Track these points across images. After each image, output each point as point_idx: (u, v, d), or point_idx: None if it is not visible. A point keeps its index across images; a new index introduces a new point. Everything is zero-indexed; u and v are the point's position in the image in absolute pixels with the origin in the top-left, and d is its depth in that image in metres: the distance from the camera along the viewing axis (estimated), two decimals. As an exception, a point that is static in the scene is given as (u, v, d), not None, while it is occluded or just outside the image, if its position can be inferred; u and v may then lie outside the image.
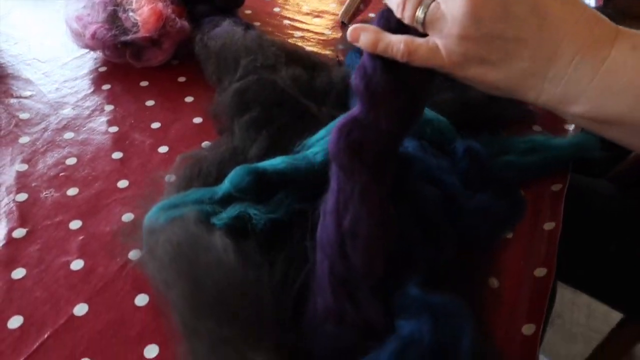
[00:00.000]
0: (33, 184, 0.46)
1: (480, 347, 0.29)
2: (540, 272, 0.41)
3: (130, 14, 0.59)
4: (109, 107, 0.56)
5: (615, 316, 0.83)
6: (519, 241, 0.43)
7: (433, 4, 0.30)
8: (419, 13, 0.30)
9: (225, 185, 0.39)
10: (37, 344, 0.35)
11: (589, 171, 0.76)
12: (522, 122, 0.54)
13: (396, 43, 0.31)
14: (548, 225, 0.45)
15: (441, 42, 0.30)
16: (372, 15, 0.73)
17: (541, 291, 0.39)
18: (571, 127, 0.56)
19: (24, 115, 0.54)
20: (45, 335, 0.35)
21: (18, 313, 0.37)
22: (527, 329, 0.37)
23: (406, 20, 0.31)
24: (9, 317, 0.36)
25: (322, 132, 0.44)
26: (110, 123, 0.54)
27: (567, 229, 0.70)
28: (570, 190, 0.70)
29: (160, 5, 0.59)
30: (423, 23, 0.30)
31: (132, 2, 0.60)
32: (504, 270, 0.41)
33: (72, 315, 0.36)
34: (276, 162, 0.40)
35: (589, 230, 0.71)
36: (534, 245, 0.43)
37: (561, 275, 0.78)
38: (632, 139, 0.31)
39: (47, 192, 0.46)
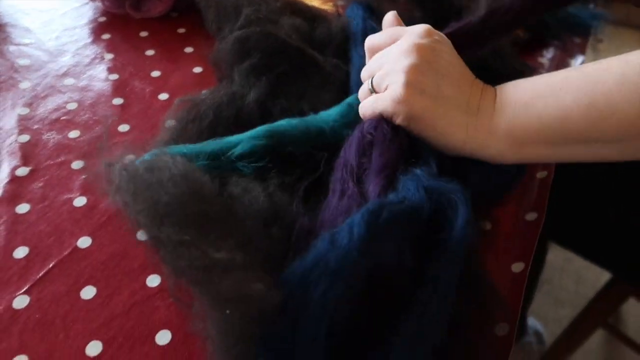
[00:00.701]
0: (35, 127, 0.47)
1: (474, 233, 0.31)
2: (531, 216, 0.42)
3: (131, -37, 0.59)
4: (108, 56, 0.56)
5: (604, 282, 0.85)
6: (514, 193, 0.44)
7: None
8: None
9: (237, 148, 0.38)
10: (43, 272, 0.36)
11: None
12: (524, 72, 0.55)
13: None
14: (540, 174, 0.46)
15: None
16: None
17: (531, 233, 0.41)
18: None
19: (23, 62, 0.54)
20: (50, 265, 0.36)
21: (23, 244, 0.38)
22: (516, 267, 0.38)
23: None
24: (14, 248, 0.37)
25: (336, 109, 0.43)
26: (110, 71, 0.54)
27: (565, 190, 0.72)
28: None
29: (159, -46, 0.58)
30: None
31: (132, -49, 0.60)
32: (498, 215, 0.42)
33: (76, 247, 0.37)
34: (288, 125, 0.40)
35: (587, 191, 0.73)
36: (527, 192, 0.44)
37: (555, 234, 0.81)
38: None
39: (49, 134, 0.46)
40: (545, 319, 1.20)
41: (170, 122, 0.44)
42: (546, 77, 0.36)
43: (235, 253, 0.27)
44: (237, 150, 0.38)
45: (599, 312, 0.84)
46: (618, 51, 0.35)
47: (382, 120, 0.36)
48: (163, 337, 0.33)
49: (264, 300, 0.26)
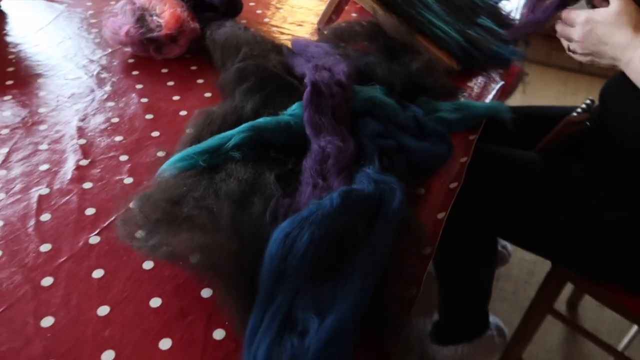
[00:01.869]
0: (89, 134, 0.63)
1: (410, 210, 0.47)
2: (453, 185, 0.59)
3: (155, 17, 0.78)
4: (139, 86, 0.74)
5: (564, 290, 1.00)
6: (442, 168, 0.61)
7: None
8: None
9: (231, 141, 0.54)
10: (107, 223, 0.51)
11: (505, 139, 0.94)
12: (452, 94, 0.73)
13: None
14: (462, 159, 0.63)
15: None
16: (342, 23, 0.92)
17: (451, 194, 0.57)
18: (490, 97, 0.75)
19: (75, 91, 0.71)
20: (112, 219, 0.52)
21: (91, 206, 0.53)
22: (440, 215, 0.55)
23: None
24: (85, 209, 0.53)
25: (296, 105, 0.60)
26: (141, 96, 0.71)
27: (505, 193, 0.87)
28: (507, 159, 0.89)
29: (178, 10, 0.77)
30: None
31: (156, 8, 0.79)
32: (430, 183, 0.58)
33: (129, 207, 0.53)
34: (263, 120, 0.57)
35: (522, 192, 0.89)
36: (451, 169, 0.61)
37: (501, 233, 0.96)
38: None
39: (100, 139, 0.63)
40: (511, 326, 1.33)
41: (189, 129, 0.61)
42: None
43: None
44: (230, 143, 0.54)
45: (545, 298, 0.98)
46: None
47: (334, 138, 0.52)
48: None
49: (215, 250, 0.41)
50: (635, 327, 1.18)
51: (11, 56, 0.79)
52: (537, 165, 0.89)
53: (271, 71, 0.66)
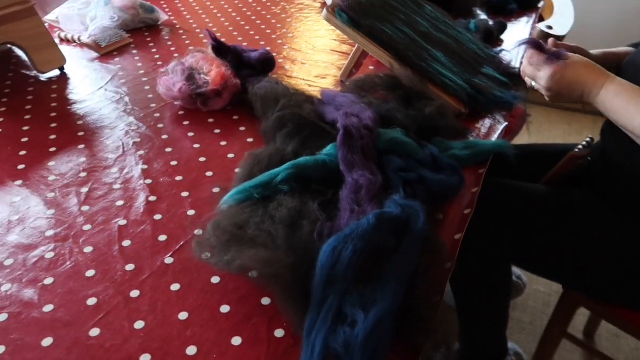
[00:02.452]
0: (153, 175, 0.75)
1: (432, 230, 0.56)
2: (466, 211, 0.68)
3: (202, 75, 0.91)
4: (190, 134, 0.85)
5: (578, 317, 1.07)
6: (456, 197, 0.71)
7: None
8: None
9: (279, 176, 0.65)
10: (177, 247, 0.62)
11: (514, 173, 1.04)
12: (462, 134, 0.84)
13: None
14: (473, 190, 0.73)
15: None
16: (361, 76, 1.05)
17: (465, 219, 0.67)
18: (496, 136, 0.86)
19: (137, 140, 0.83)
20: (181, 243, 0.62)
21: (163, 234, 0.63)
22: (457, 236, 0.64)
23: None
24: (158, 236, 0.63)
25: (330, 146, 0.71)
26: (193, 142, 0.83)
27: (513, 221, 0.97)
28: (514, 191, 1.00)
29: (223, 69, 0.90)
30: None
31: (203, 67, 0.92)
32: (447, 209, 0.68)
33: (194, 234, 0.63)
34: (304, 159, 0.68)
35: (529, 220, 0.98)
36: (464, 198, 0.70)
37: (512, 259, 1.04)
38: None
39: (163, 179, 0.74)
40: (530, 354, 1.38)
41: (241, 168, 0.71)
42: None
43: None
44: (278, 179, 0.65)
45: (560, 321, 1.05)
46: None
47: (365, 172, 0.63)
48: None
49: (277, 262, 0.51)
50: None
51: (79, 111, 0.92)
52: (543, 195, 0.99)
53: (306, 118, 0.78)
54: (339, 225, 0.57)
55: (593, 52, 0.98)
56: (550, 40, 0.92)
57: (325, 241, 0.53)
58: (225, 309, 0.54)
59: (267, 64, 0.99)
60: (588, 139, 1.05)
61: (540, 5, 1.52)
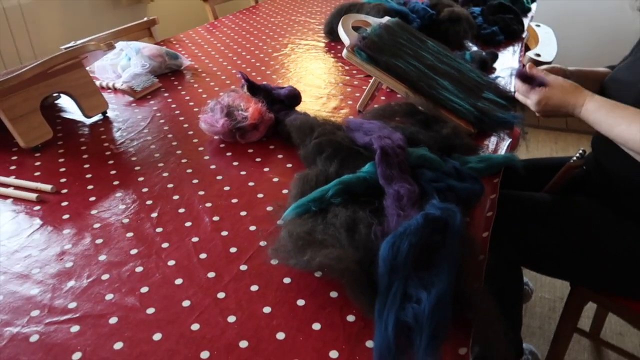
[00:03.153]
0: (211, 199, 0.85)
1: (466, 228, 0.67)
2: (489, 214, 0.80)
3: (241, 111, 1.02)
4: (235, 163, 0.96)
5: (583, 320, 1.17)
6: (479, 203, 0.82)
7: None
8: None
9: (329, 192, 0.76)
10: (248, 256, 0.71)
11: (519, 185, 1.16)
12: (474, 150, 0.96)
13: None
14: (492, 196, 0.84)
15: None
16: (376, 106, 1.17)
17: (489, 220, 0.78)
18: (503, 150, 0.98)
19: (189, 170, 0.94)
20: (250, 253, 0.72)
21: (233, 246, 0.73)
22: (484, 234, 0.75)
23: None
24: (229, 248, 0.73)
25: (368, 165, 0.83)
26: (239, 170, 0.94)
27: (518, 227, 1.08)
28: (524, 202, 1.12)
29: (259, 105, 1.02)
30: None
31: (240, 104, 1.04)
32: (473, 213, 0.79)
33: (259, 246, 0.73)
34: (348, 176, 0.79)
35: (533, 226, 1.09)
36: (485, 203, 0.82)
37: (525, 262, 1.15)
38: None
39: (220, 201, 0.84)
40: (542, 356, 1.47)
41: (294, 188, 0.81)
42: (620, 104, 0.89)
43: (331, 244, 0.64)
44: (329, 194, 0.75)
45: (570, 316, 1.15)
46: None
47: (403, 184, 0.74)
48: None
49: (346, 258, 0.61)
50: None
51: (131, 149, 1.02)
52: (548, 202, 1.11)
53: (341, 143, 0.89)
54: (389, 227, 0.67)
55: (570, 69, 1.13)
56: (529, 64, 1.06)
57: (381, 240, 0.63)
58: (301, 302, 0.63)
59: (294, 99, 1.11)
60: (581, 151, 1.18)
61: (524, 35, 1.68)
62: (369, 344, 0.58)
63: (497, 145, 1.02)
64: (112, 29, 1.72)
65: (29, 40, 2.43)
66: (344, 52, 1.06)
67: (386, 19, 1.26)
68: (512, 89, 1.19)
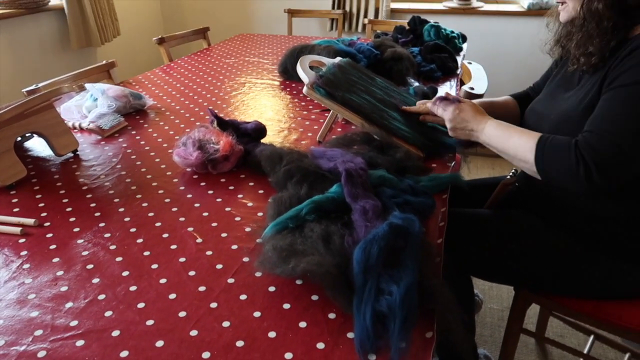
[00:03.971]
0: (192, 224, 0.92)
1: (424, 234, 0.78)
2: (441, 224, 0.92)
3: (212, 144, 1.11)
4: (210, 192, 1.04)
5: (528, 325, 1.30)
6: (432, 215, 0.94)
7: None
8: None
9: (303, 210, 0.86)
10: (234, 270, 0.79)
11: (469, 202, 1.31)
12: (428, 170, 1.09)
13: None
14: (442, 209, 0.97)
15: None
16: (334, 137, 1.29)
17: (442, 229, 0.90)
18: (449, 171, 1.12)
19: (167, 200, 1.00)
20: (236, 268, 0.79)
21: (218, 263, 0.80)
22: (439, 240, 0.86)
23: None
24: (215, 265, 0.80)
25: (335, 186, 0.93)
26: (215, 197, 1.02)
27: (464, 241, 1.21)
28: (468, 217, 1.25)
29: (230, 138, 1.11)
30: None
31: (211, 138, 1.12)
32: (428, 224, 0.91)
33: (243, 261, 0.81)
34: (318, 197, 0.89)
35: (477, 238, 1.23)
36: (438, 215, 0.94)
37: (472, 270, 1.28)
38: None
39: (202, 225, 0.91)
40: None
41: (269, 210, 0.90)
42: (512, 126, 1.01)
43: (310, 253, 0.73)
44: (303, 212, 0.85)
45: (516, 318, 1.28)
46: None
47: (368, 200, 0.85)
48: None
49: (326, 263, 0.71)
50: (591, 338, 1.49)
51: (107, 183, 1.07)
52: (488, 216, 1.25)
53: (308, 169, 0.99)
54: (358, 237, 0.78)
55: (476, 101, 1.30)
56: (445, 92, 1.23)
57: (353, 247, 0.73)
58: (286, 305, 0.71)
59: (260, 132, 1.21)
60: (513, 171, 1.34)
61: (459, 72, 1.88)
62: (350, 335, 0.66)
63: (444, 167, 1.16)
64: (63, 72, 1.77)
65: (-22, 85, 2.41)
66: (305, 89, 1.17)
67: (338, 59, 1.40)
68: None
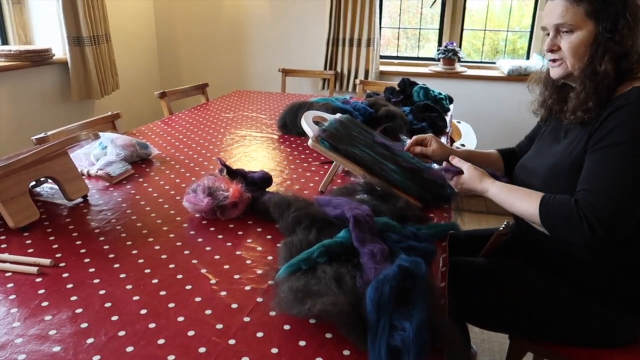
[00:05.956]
0: (205, 266, 0.95)
1: (429, 280, 0.83)
2: (443, 268, 0.97)
3: (222, 191, 1.16)
4: (220, 236, 1.08)
5: None
6: (434, 260, 0.99)
7: None
8: None
9: (314, 253, 0.91)
10: (249, 309, 0.82)
11: (465, 250, 1.36)
12: (427, 219, 1.15)
13: None
14: (443, 255, 1.02)
15: None
16: (334, 187, 1.35)
17: (444, 273, 0.94)
18: (446, 221, 1.18)
19: (179, 243, 1.04)
20: (251, 307, 0.82)
21: (234, 302, 0.84)
22: (442, 284, 0.91)
23: None
24: (230, 304, 0.83)
25: (343, 231, 0.98)
26: (225, 241, 1.06)
27: (461, 288, 1.26)
28: (464, 265, 1.30)
29: (239, 186, 1.17)
30: None
31: (221, 186, 1.17)
32: (430, 268, 0.96)
33: (257, 301, 0.84)
34: (327, 241, 0.94)
35: (473, 285, 1.27)
36: (439, 260, 0.99)
37: (467, 317, 1.32)
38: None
39: (214, 267, 0.95)
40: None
41: (281, 254, 0.95)
42: (514, 187, 1.09)
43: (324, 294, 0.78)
44: (315, 254, 0.90)
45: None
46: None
47: (375, 244, 0.90)
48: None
49: (340, 303, 0.76)
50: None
51: (119, 227, 1.11)
52: (483, 265, 1.31)
53: (315, 215, 1.05)
54: (368, 278, 0.82)
55: (463, 150, 1.42)
56: (445, 163, 1.32)
57: (364, 287, 0.78)
58: (302, 343, 0.75)
59: (266, 181, 1.27)
60: (506, 222, 1.41)
61: (448, 130, 1.99)
62: (365, 370, 0.70)
63: (441, 216, 1.22)
64: (62, 123, 1.84)
65: (-22, 133, 2.45)
66: (310, 141, 1.25)
67: (338, 115, 1.49)
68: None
